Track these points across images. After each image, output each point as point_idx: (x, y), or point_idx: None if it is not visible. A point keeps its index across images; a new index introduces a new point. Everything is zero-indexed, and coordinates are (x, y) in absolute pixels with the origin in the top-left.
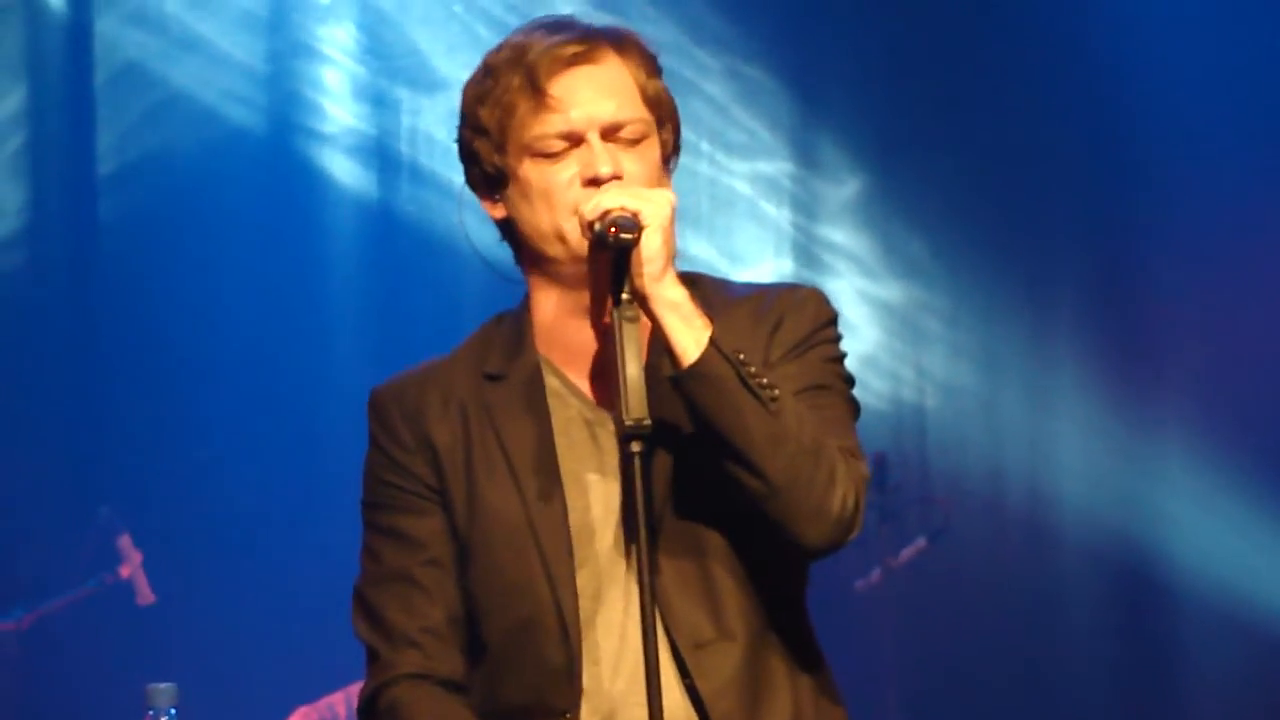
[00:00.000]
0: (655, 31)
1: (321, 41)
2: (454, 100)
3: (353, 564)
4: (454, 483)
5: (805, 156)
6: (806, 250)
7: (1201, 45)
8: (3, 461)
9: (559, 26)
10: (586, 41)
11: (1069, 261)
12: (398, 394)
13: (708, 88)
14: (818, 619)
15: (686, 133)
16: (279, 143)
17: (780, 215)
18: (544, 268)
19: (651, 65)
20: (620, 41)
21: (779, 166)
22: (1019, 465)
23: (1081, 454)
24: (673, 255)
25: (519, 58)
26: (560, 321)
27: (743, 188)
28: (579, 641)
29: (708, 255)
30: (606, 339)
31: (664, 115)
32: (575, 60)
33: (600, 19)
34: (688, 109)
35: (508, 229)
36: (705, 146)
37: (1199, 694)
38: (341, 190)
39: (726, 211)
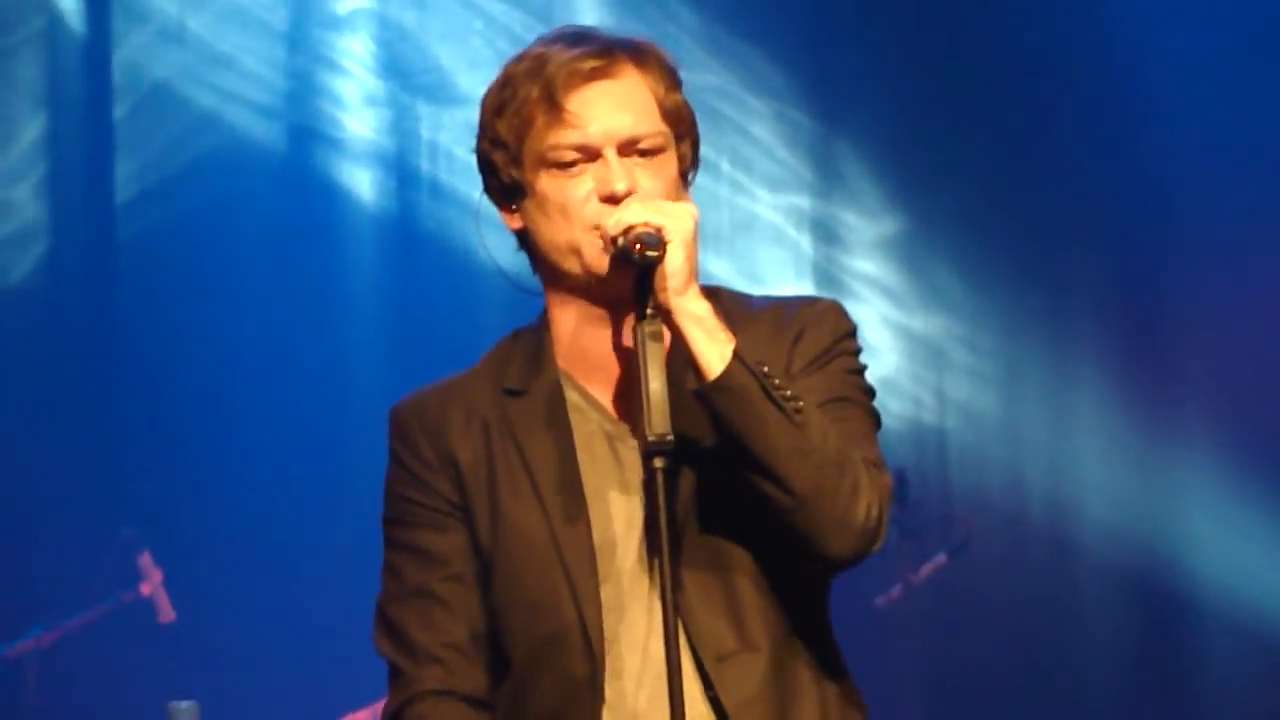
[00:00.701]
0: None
1: (341, 57)
2: (474, 116)
3: (374, 580)
4: (477, 499)
5: (826, 180)
6: (827, 272)
7: (1221, 59)
8: (25, 481)
9: (579, 39)
10: (605, 55)
11: (1090, 278)
12: (419, 410)
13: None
14: (838, 635)
15: (709, 153)
16: (299, 159)
17: (801, 239)
18: (561, 281)
19: (671, 78)
20: (640, 54)
21: (802, 190)
22: (1040, 481)
23: (1102, 470)
24: (695, 269)
25: (538, 70)
26: (579, 335)
27: (766, 213)
28: (603, 657)
29: (728, 276)
30: (627, 353)
31: (683, 130)
32: (594, 75)
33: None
34: (720, 135)
35: (525, 240)
36: (726, 167)
37: (1221, 709)
38: (362, 206)
39: (746, 234)
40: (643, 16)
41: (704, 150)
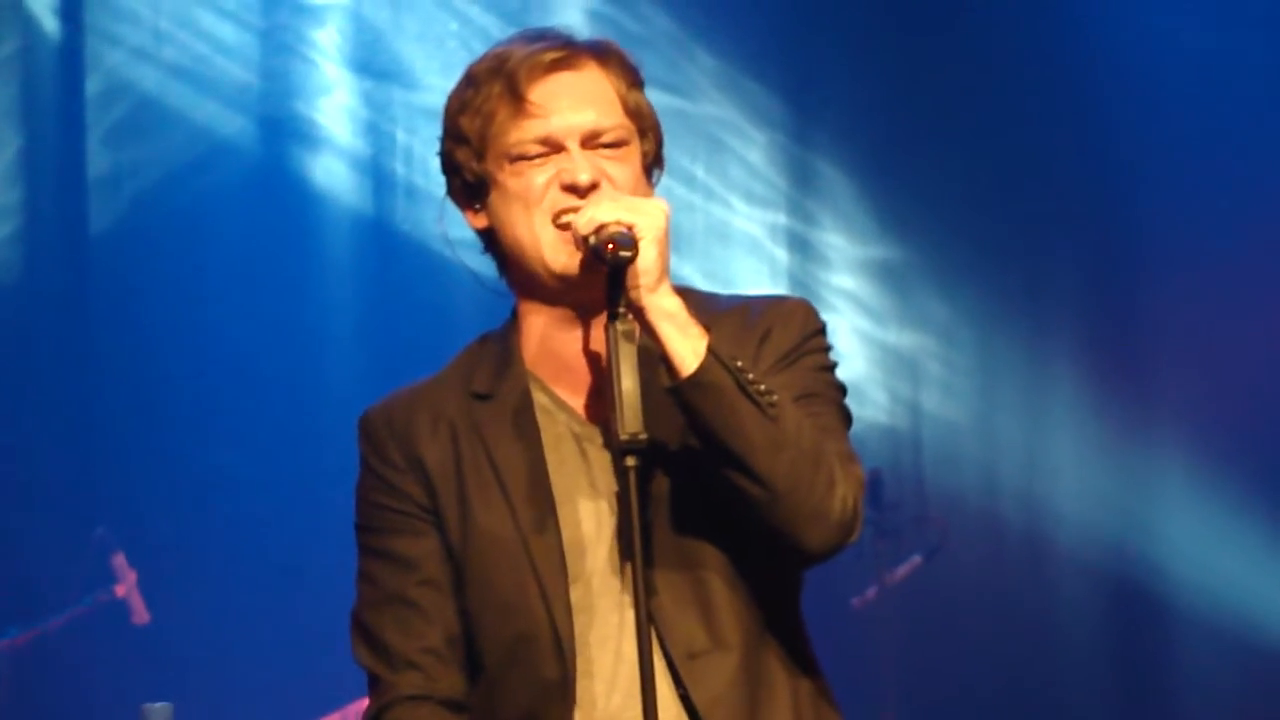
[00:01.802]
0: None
1: (316, 59)
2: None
3: (348, 582)
4: (446, 503)
5: (799, 176)
6: (801, 281)
7: (1199, 57)
8: None
9: (539, 36)
10: (567, 49)
11: (1064, 280)
12: (386, 415)
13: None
14: (813, 635)
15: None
16: (273, 160)
17: (776, 248)
18: (528, 283)
19: (633, 76)
20: (602, 51)
21: (773, 189)
22: (1015, 483)
23: (1078, 471)
24: (667, 266)
25: (499, 66)
26: (546, 337)
27: (741, 223)
28: (573, 658)
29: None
30: (595, 354)
31: (645, 126)
32: (555, 66)
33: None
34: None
35: (490, 240)
36: (700, 174)
37: (1196, 710)
38: (336, 206)
39: (721, 241)
40: (617, 26)
41: (679, 158)
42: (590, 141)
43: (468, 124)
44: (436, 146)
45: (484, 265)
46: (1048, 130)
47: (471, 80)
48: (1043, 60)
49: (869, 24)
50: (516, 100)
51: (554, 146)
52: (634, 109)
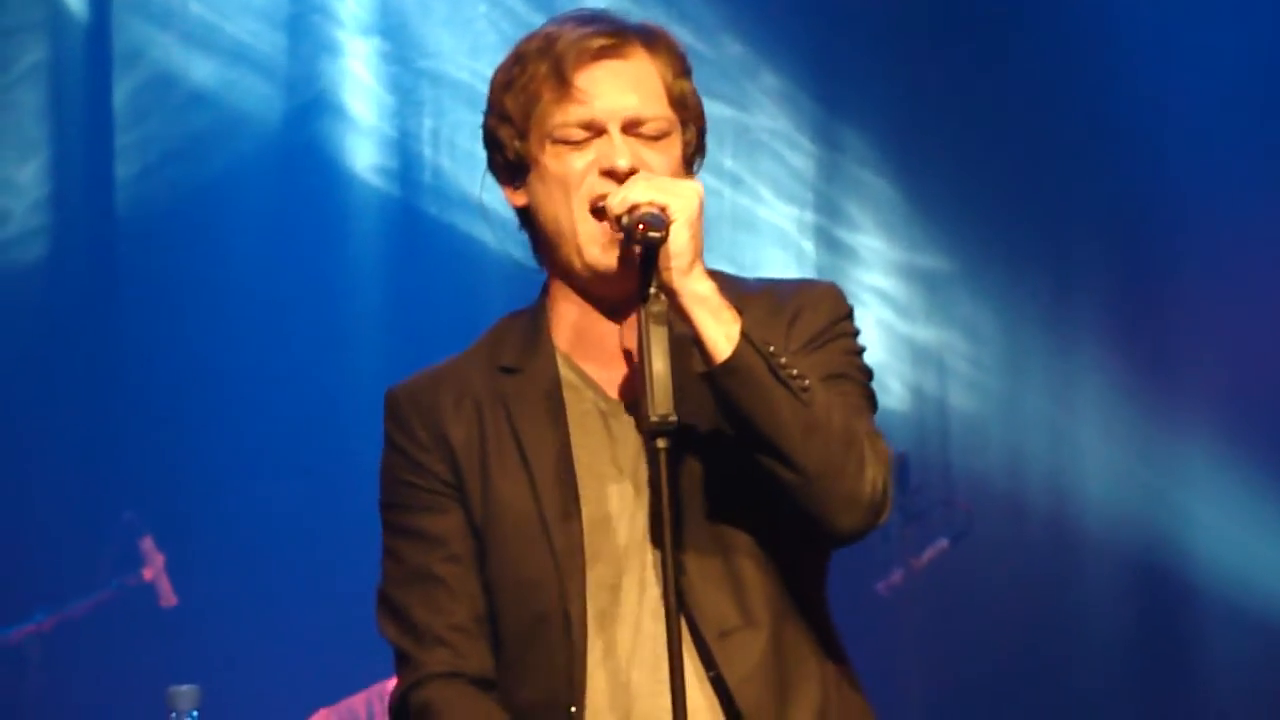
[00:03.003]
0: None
1: (343, 40)
2: (477, 101)
3: (374, 564)
4: (470, 478)
5: (828, 157)
6: (830, 247)
7: (1223, 52)
8: (26, 465)
9: (591, 19)
10: (616, 35)
11: (1092, 262)
12: (411, 393)
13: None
14: (839, 620)
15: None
16: (300, 142)
17: (804, 216)
18: (561, 266)
19: (680, 65)
20: (650, 38)
21: (802, 156)
22: (1041, 466)
23: (1104, 454)
24: (700, 249)
25: (548, 47)
26: (577, 314)
27: (765, 192)
28: (583, 637)
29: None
30: (625, 334)
31: (688, 116)
32: (603, 53)
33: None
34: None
35: (527, 218)
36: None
37: (1222, 691)
38: (364, 190)
39: (747, 226)
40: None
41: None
42: (632, 129)
43: (512, 102)
44: (463, 128)
45: (519, 241)
46: (1074, 124)
47: (519, 58)
48: (1069, 58)
49: (894, 22)
50: (562, 83)
51: (596, 130)
52: (678, 98)
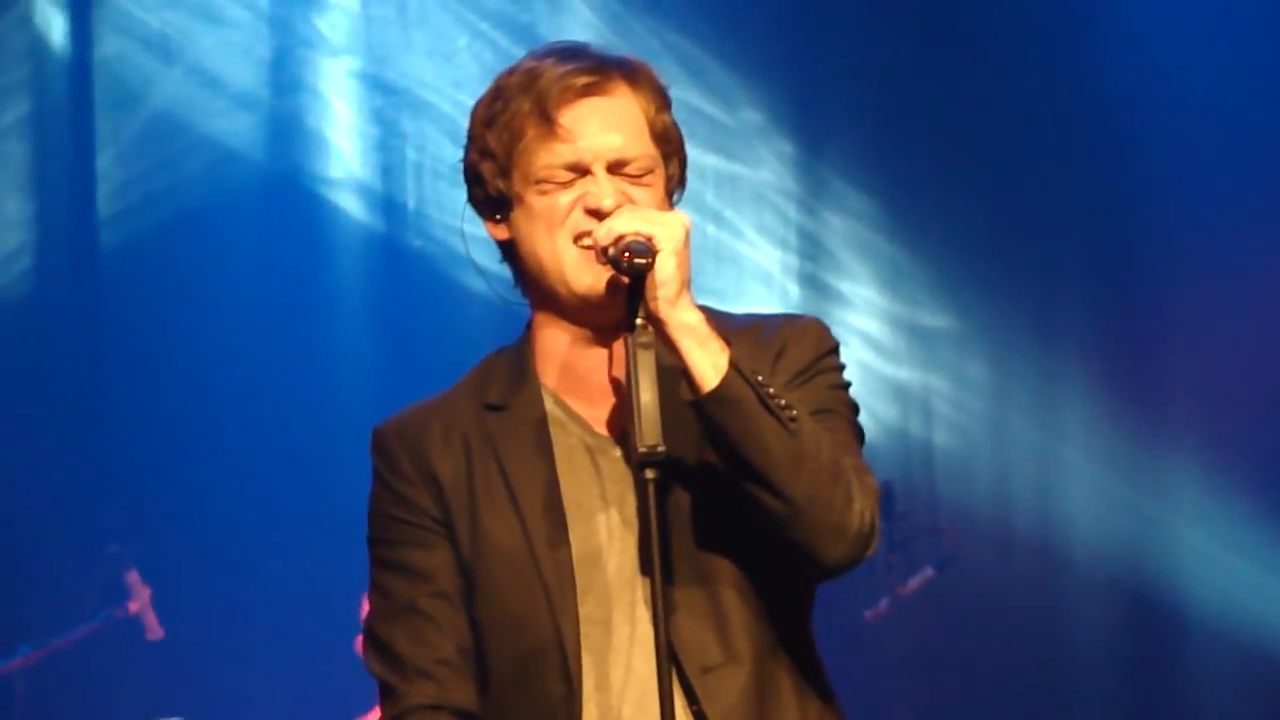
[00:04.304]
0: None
1: (326, 73)
2: (459, 134)
3: (359, 597)
4: (458, 515)
5: (809, 183)
6: (814, 281)
7: (1207, 64)
8: (10, 498)
9: (573, 54)
10: (598, 72)
11: (1077, 289)
12: (399, 429)
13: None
14: (825, 648)
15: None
16: (283, 175)
17: (789, 241)
18: (546, 298)
19: (662, 99)
20: (633, 73)
21: (783, 193)
22: (1027, 494)
23: (1090, 481)
24: (688, 279)
25: (530, 83)
26: (562, 349)
27: (748, 210)
28: (579, 674)
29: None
30: (609, 366)
31: (670, 150)
32: (586, 91)
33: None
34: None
35: (509, 252)
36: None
37: (1210, 717)
38: (347, 222)
39: (733, 203)
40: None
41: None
42: (616, 168)
43: (494, 139)
44: (446, 162)
45: (500, 274)
46: (1057, 140)
47: (500, 94)
48: (1051, 69)
49: (879, 34)
50: (546, 122)
51: (580, 171)
52: (661, 133)
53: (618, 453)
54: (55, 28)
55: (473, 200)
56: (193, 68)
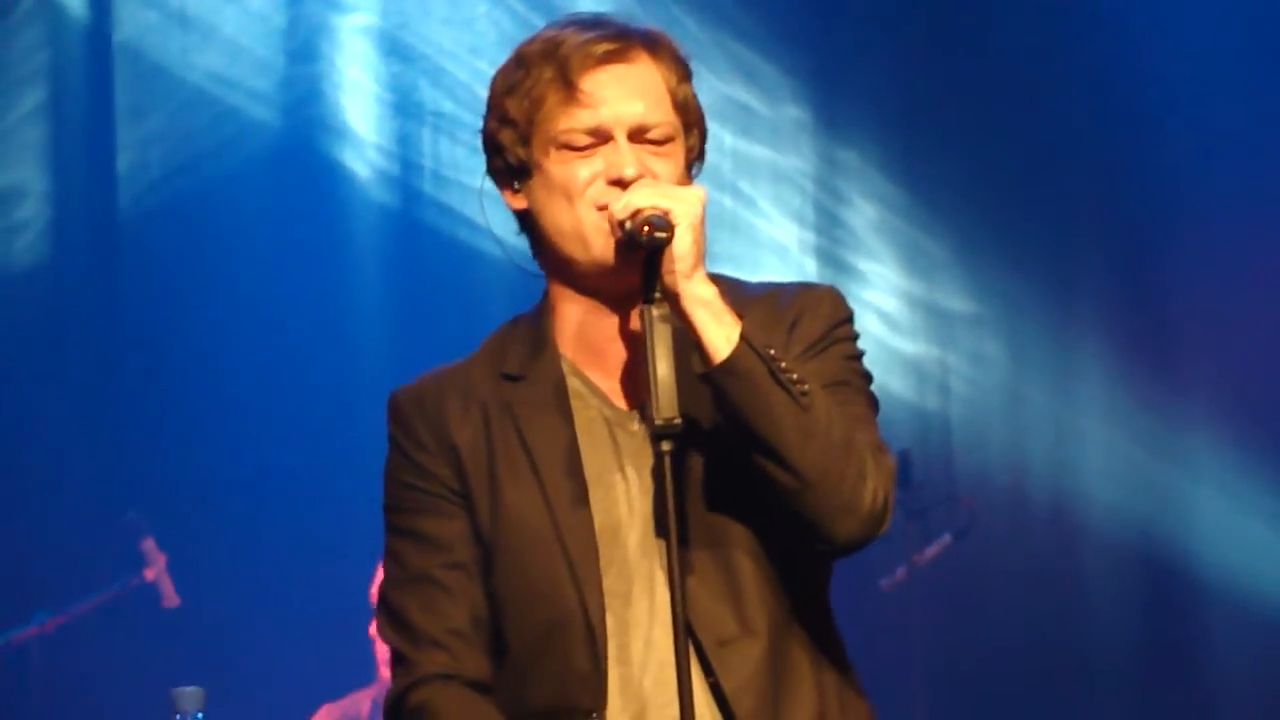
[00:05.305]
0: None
1: (343, 40)
2: (476, 103)
3: (373, 566)
4: (477, 485)
5: (826, 157)
6: (830, 251)
7: (1222, 44)
8: (27, 466)
9: (594, 23)
10: (621, 40)
11: (1093, 257)
12: (417, 397)
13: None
14: (842, 617)
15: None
16: (300, 143)
17: (805, 208)
18: (564, 267)
19: (683, 70)
20: (654, 43)
21: (801, 165)
22: (1044, 461)
23: (1106, 449)
24: (703, 253)
25: (552, 51)
26: (580, 321)
27: (764, 185)
28: (605, 645)
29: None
30: (628, 339)
31: (691, 121)
32: (608, 58)
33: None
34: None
35: (527, 221)
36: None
37: (1226, 687)
38: (364, 191)
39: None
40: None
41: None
42: (638, 135)
43: (514, 107)
44: (463, 132)
45: (514, 241)
46: (1073, 115)
47: (521, 62)
48: (1068, 49)
49: (893, 9)
50: (568, 88)
51: (602, 137)
52: (682, 103)
53: (636, 426)
54: (75, 1)
55: (491, 170)
56: (208, 34)
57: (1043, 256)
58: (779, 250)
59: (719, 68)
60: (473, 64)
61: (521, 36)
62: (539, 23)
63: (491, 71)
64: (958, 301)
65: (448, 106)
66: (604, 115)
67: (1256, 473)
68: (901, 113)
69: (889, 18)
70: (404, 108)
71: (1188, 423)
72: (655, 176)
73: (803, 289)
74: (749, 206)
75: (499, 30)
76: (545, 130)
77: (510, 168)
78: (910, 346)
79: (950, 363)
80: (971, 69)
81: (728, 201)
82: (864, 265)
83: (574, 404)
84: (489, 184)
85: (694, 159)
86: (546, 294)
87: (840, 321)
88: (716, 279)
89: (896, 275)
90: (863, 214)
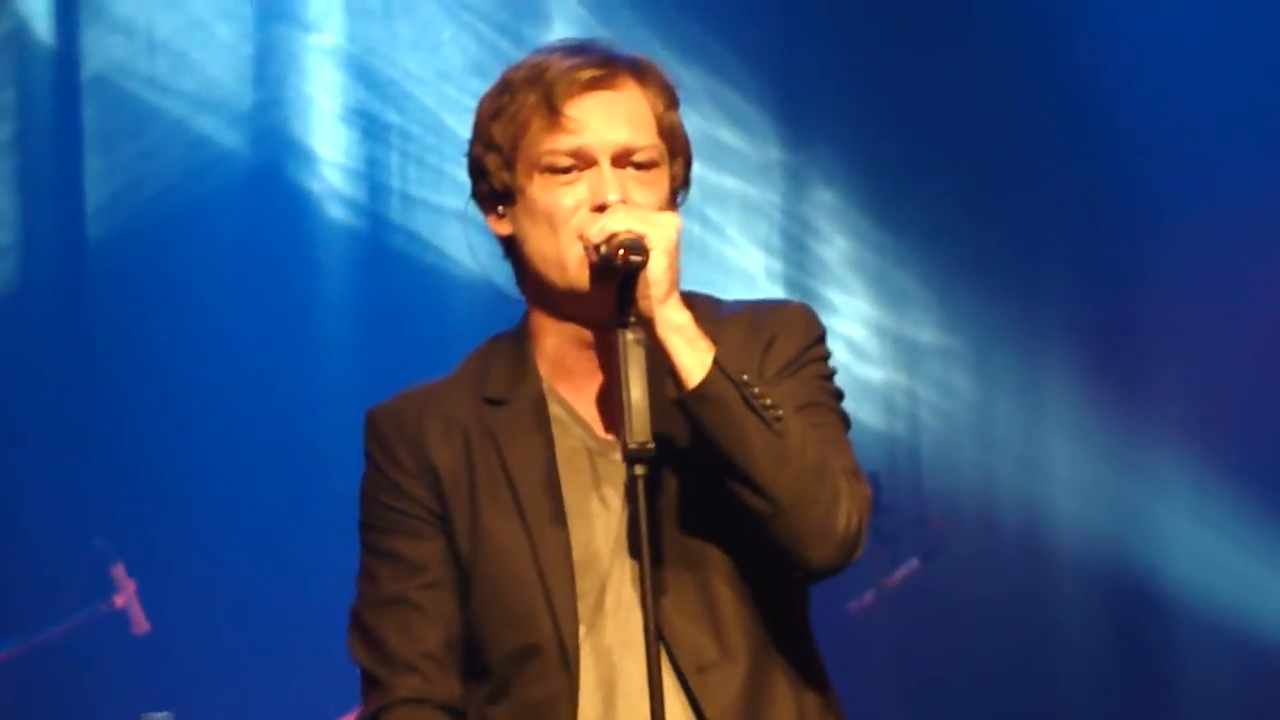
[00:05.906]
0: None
1: (310, 67)
2: (441, 128)
3: (349, 590)
4: (457, 509)
5: (794, 180)
6: (798, 273)
7: (1197, 64)
8: None
9: (580, 49)
10: (607, 66)
11: (1062, 279)
12: (395, 416)
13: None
14: None
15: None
16: (269, 168)
17: (771, 237)
18: (546, 293)
19: (670, 97)
20: (640, 70)
21: (767, 187)
22: (1012, 484)
23: (1075, 470)
24: (677, 279)
25: (537, 76)
26: (561, 346)
27: (731, 206)
28: (578, 671)
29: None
30: (609, 367)
31: (677, 148)
32: (593, 84)
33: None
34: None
35: (511, 247)
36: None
37: (1197, 709)
38: (333, 217)
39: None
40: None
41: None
42: (622, 160)
43: (499, 131)
44: (430, 156)
45: (495, 266)
46: (1041, 131)
47: (506, 87)
48: (1041, 85)
49: (859, 36)
50: (552, 113)
51: (586, 161)
52: (667, 130)
53: (617, 456)
54: (40, 26)
55: (476, 195)
56: (176, 60)
57: (1011, 277)
58: (746, 278)
59: (689, 96)
60: (440, 89)
61: (488, 61)
62: (506, 48)
63: (458, 95)
64: (923, 322)
65: (415, 130)
66: (588, 139)
67: (1225, 492)
68: (871, 144)
69: (859, 50)
70: (371, 131)
71: (1156, 443)
72: (638, 205)
73: (776, 307)
74: (716, 233)
75: (465, 55)
76: (529, 155)
77: (494, 192)
78: (877, 369)
79: (918, 385)
80: (943, 100)
81: (696, 229)
82: (833, 295)
83: (555, 431)
84: (473, 208)
85: (678, 186)
86: (527, 318)
87: (814, 341)
88: (691, 297)
89: (866, 305)
90: (832, 244)
